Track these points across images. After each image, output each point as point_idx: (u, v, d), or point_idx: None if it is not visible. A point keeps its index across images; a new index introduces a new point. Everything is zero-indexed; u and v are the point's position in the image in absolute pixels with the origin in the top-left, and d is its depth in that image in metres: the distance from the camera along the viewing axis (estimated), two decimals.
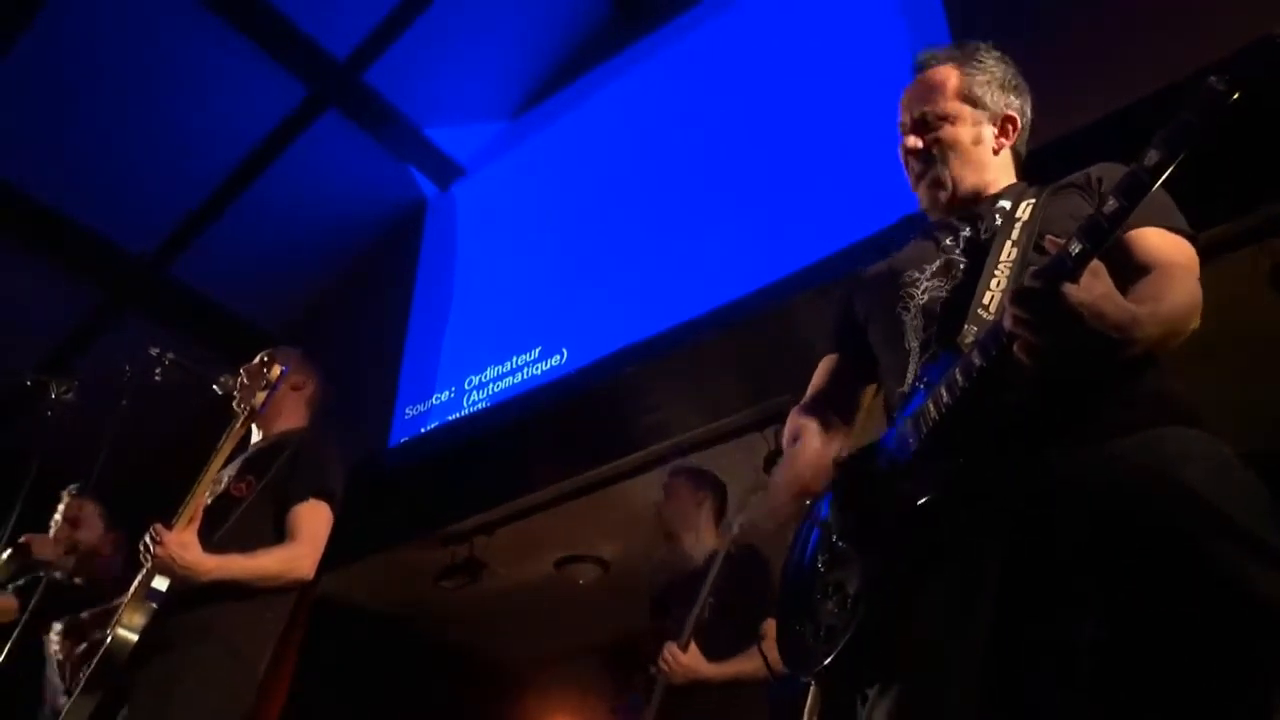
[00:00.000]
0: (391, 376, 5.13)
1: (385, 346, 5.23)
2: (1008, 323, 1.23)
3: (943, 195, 1.66)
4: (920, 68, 1.77)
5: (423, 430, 4.76)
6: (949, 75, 1.72)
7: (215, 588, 2.28)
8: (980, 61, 1.73)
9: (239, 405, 2.59)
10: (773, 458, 4.41)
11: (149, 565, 2.23)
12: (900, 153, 1.74)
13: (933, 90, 1.71)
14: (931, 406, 1.36)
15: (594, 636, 6.39)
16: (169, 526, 2.25)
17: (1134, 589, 1.18)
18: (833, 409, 1.71)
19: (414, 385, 5.00)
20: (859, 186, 3.90)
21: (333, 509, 2.53)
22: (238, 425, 2.40)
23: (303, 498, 2.44)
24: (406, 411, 4.89)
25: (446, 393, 4.80)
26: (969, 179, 1.66)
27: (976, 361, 1.31)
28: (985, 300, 1.43)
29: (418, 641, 5.98)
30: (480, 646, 6.36)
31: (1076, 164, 1.67)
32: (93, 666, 2.15)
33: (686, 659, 2.85)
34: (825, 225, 3.92)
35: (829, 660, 1.33)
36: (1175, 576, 1.16)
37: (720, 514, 3.51)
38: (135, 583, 2.26)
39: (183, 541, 2.23)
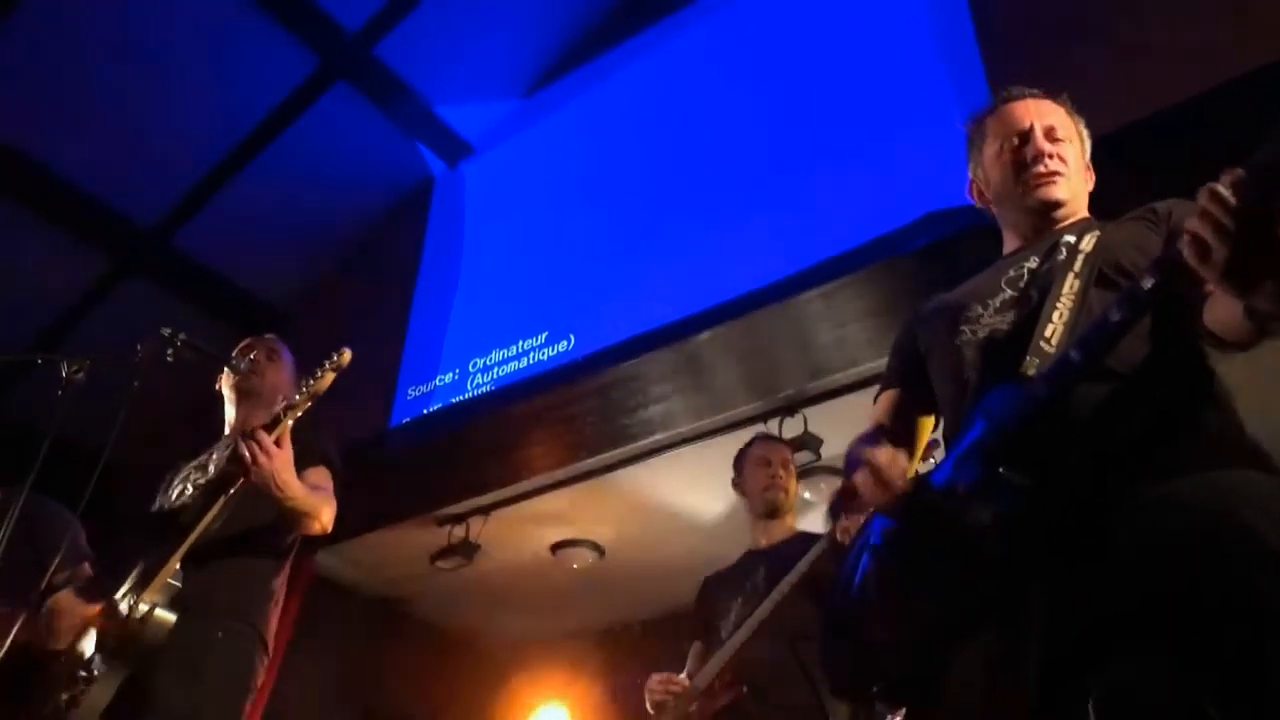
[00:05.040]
0: (394, 356, 5.10)
1: (389, 326, 5.20)
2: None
3: (1064, 194, 1.68)
4: (1019, 95, 1.80)
5: (425, 411, 4.74)
6: (1060, 108, 1.78)
7: (233, 566, 2.31)
8: (1075, 110, 1.81)
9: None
10: None
11: (243, 475, 2.21)
12: (1009, 144, 1.74)
13: (1054, 111, 1.77)
14: (993, 436, 1.34)
15: (585, 621, 6.41)
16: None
17: (1188, 629, 1.17)
18: (893, 441, 1.70)
19: (417, 366, 4.97)
20: (871, 186, 3.88)
21: (334, 477, 2.56)
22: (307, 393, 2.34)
23: (310, 464, 2.46)
24: (409, 392, 4.86)
25: (450, 374, 4.77)
26: (1074, 201, 1.71)
27: (1042, 392, 1.30)
28: (1047, 333, 1.42)
29: (410, 620, 5.98)
30: (472, 627, 6.38)
31: None
32: (124, 640, 2.15)
33: None
34: (836, 223, 3.90)
35: (875, 689, 1.33)
36: (1229, 617, 1.15)
37: None
38: (180, 531, 2.24)
39: (285, 461, 2.23)
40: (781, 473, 3.19)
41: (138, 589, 2.18)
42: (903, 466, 1.47)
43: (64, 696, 2.14)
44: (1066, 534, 1.28)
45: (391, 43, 5.04)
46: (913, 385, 1.76)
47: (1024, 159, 1.70)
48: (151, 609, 2.15)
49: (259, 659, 2.33)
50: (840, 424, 4.15)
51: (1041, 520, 1.29)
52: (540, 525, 5.50)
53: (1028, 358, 1.41)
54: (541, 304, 4.59)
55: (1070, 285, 1.48)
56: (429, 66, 5.27)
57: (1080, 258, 1.52)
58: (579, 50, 5.52)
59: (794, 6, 4.58)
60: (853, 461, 1.59)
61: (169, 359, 2.56)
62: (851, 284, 3.87)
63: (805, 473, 4.32)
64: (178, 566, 2.21)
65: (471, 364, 4.70)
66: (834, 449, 4.41)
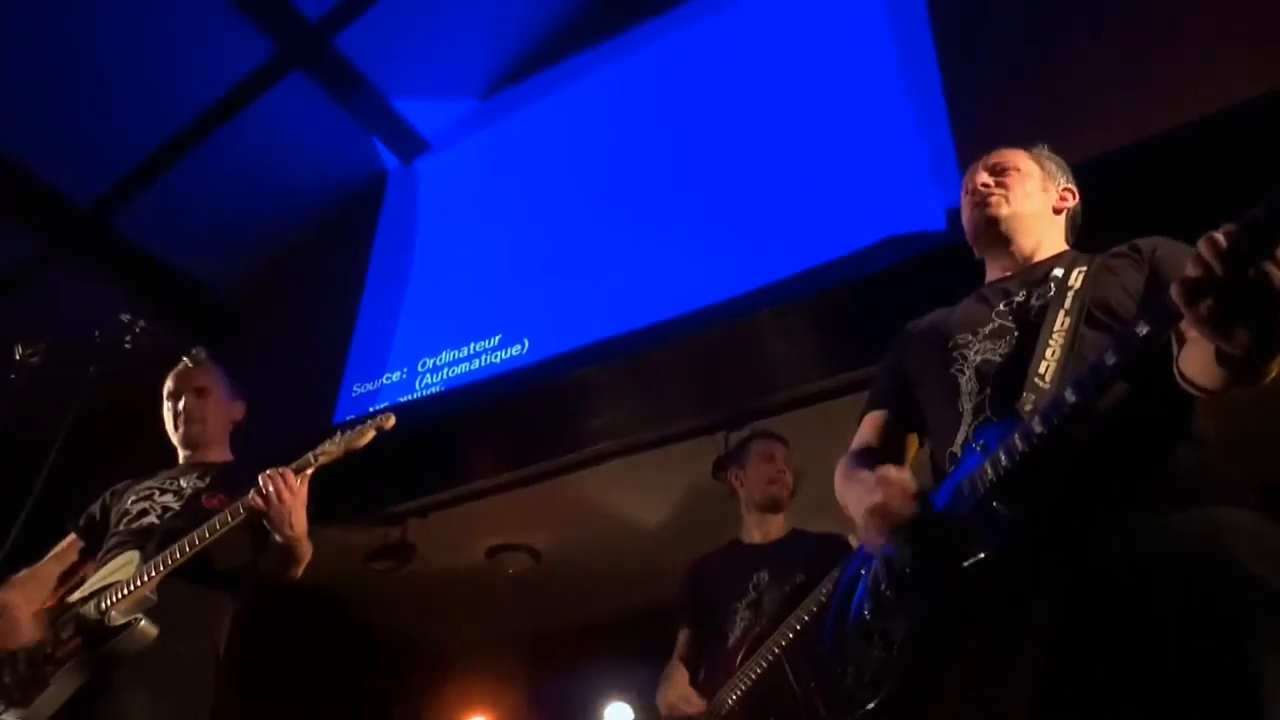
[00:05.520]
0: (340, 352, 5.00)
1: (335, 321, 5.10)
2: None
3: (1004, 210, 1.79)
4: (984, 155, 1.94)
5: (371, 409, 4.65)
6: (1020, 151, 1.91)
7: (205, 591, 2.29)
8: (1045, 151, 1.94)
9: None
10: (722, 462, 4.47)
11: (261, 509, 2.20)
12: (965, 191, 1.89)
13: (1008, 153, 1.90)
14: (989, 469, 1.39)
15: (516, 627, 6.38)
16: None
17: (1179, 659, 1.22)
18: (877, 462, 1.74)
19: (364, 363, 4.88)
20: (830, 206, 3.94)
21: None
22: None
23: None
24: (354, 389, 4.77)
25: (398, 373, 4.71)
26: (1026, 219, 1.80)
27: (1037, 429, 1.35)
28: (1041, 369, 1.48)
29: (339, 620, 5.87)
30: (401, 629, 6.28)
31: None
32: (101, 649, 2.10)
33: None
34: (794, 242, 3.95)
35: (872, 704, 1.36)
36: (1221, 649, 1.20)
37: None
38: (167, 550, 2.22)
39: (303, 502, 2.24)
40: (785, 469, 3.24)
41: (110, 596, 2.15)
42: (911, 491, 1.50)
43: (14, 696, 2.07)
44: (1059, 562, 1.33)
45: (352, 34, 4.95)
46: (900, 406, 1.82)
47: (968, 194, 1.87)
48: (137, 621, 2.12)
49: (213, 674, 2.31)
50: (788, 438, 4.22)
51: (1033, 550, 1.34)
52: (478, 528, 5.45)
53: (1024, 394, 1.46)
54: (496, 306, 4.56)
55: (1061, 322, 1.55)
56: (389, 60, 5.19)
57: (1070, 295, 1.59)
58: (542, 54, 5.50)
59: (760, 25, 4.64)
60: (854, 484, 1.65)
61: (128, 345, 2.49)
62: (805, 304, 3.93)
63: None
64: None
65: (420, 363, 4.64)
66: None
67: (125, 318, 2.51)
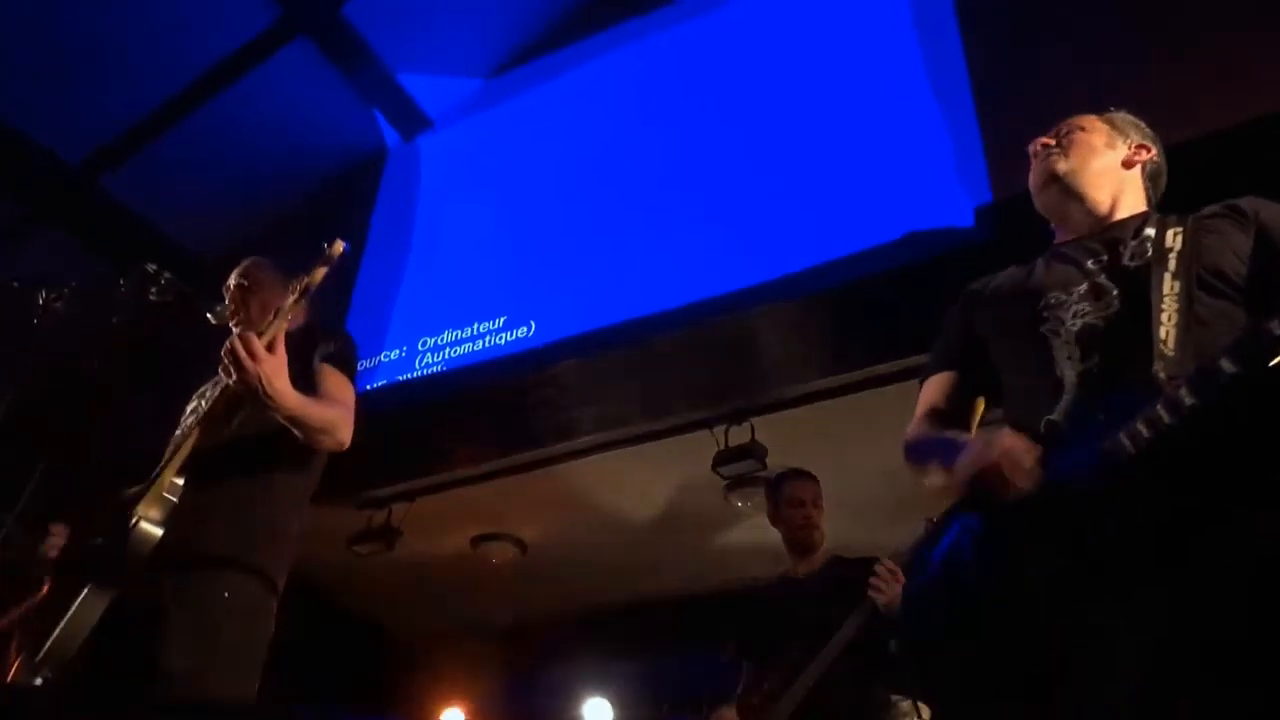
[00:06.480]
0: (335, 328, 4.87)
1: (329, 296, 4.94)
2: None
3: (1062, 166, 1.73)
4: None
5: (369, 387, 4.54)
6: (1089, 115, 1.83)
7: (240, 485, 2.09)
8: (1120, 112, 1.85)
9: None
10: (721, 457, 4.43)
11: (227, 385, 1.97)
12: (1032, 156, 1.81)
13: (1074, 118, 1.82)
14: (1126, 441, 1.30)
15: (496, 618, 6.28)
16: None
17: None
18: (948, 426, 1.68)
19: (360, 339, 4.70)
20: (838, 205, 3.91)
21: (350, 379, 2.32)
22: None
23: (322, 361, 2.24)
24: None
25: (397, 351, 4.60)
26: (1091, 174, 1.72)
27: (1187, 400, 1.26)
28: (1162, 335, 1.41)
29: (317, 603, 5.73)
30: (380, 616, 6.16)
31: None
32: (110, 562, 1.92)
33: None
34: (808, 235, 3.91)
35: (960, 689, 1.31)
36: None
37: None
38: (179, 445, 2.02)
39: (276, 366, 1.95)
40: (813, 512, 3.22)
41: (132, 504, 1.96)
42: (1035, 453, 1.40)
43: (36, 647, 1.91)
44: (1191, 545, 1.26)
45: (361, 3, 4.84)
46: (969, 368, 1.73)
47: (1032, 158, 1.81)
48: (137, 522, 1.91)
49: (271, 611, 2.08)
50: (787, 435, 4.18)
51: (1153, 537, 1.27)
52: (465, 516, 5.35)
53: (1156, 361, 1.39)
54: (501, 288, 4.47)
55: (1170, 286, 1.47)
56: (396, 33, 5.08)
57: (1172, 256, 1.51)
58: (553, 36, 5.42)
59: (784, 13, 4.59)
60: (945, 448, 1.55)
61: (153, 296, 2.37)
62: (816, 299, 3.89)
63: (748, 481, 4.33)
64: (178, 481, 1.99)
65: (421, 342, 4.54)
66: (778, 459, 4.44)
67: (151, 268, 2.39)
